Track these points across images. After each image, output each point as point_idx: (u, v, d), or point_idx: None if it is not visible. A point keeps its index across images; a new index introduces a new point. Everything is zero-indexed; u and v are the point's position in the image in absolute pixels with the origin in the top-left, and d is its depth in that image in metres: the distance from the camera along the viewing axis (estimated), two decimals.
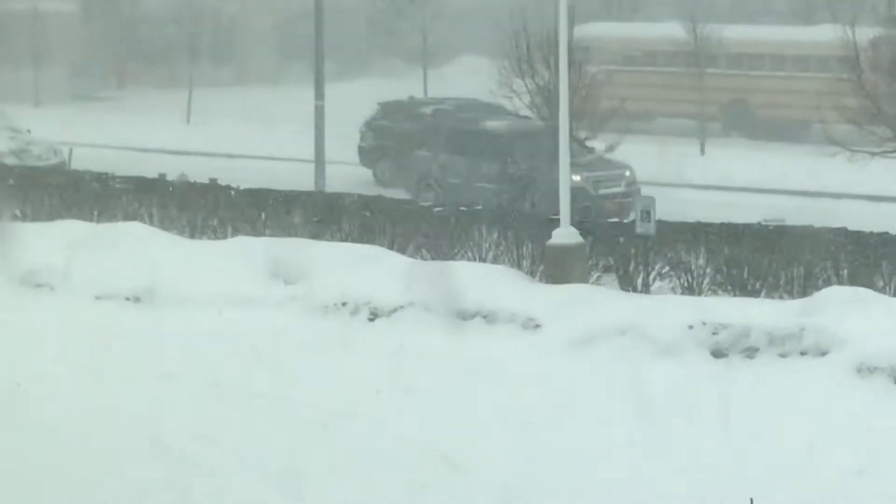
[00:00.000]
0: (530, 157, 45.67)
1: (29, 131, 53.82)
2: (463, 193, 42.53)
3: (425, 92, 66.45)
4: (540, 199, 41.68)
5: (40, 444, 20.83)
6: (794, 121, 58.29)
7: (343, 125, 49.71)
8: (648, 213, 32.72)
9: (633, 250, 32.12)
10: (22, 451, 17.81)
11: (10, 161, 46.23)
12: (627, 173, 46.79)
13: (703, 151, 56.30)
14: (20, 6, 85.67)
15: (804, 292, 28.90)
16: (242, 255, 32.83)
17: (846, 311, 26.69)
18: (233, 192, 38.62)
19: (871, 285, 28.61)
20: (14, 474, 18.70)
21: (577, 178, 41.15)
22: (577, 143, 44.91)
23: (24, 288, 32.19)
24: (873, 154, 37.92)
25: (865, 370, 24.94)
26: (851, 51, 39.15)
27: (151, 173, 41.49)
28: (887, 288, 28.80)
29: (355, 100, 55.00)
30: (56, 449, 21.00)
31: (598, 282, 31.39)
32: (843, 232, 32.52)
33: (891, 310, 26.65)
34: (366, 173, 51.78)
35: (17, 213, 38.00)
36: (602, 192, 43.39)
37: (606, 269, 32.08)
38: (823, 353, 25.64)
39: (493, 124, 48.76)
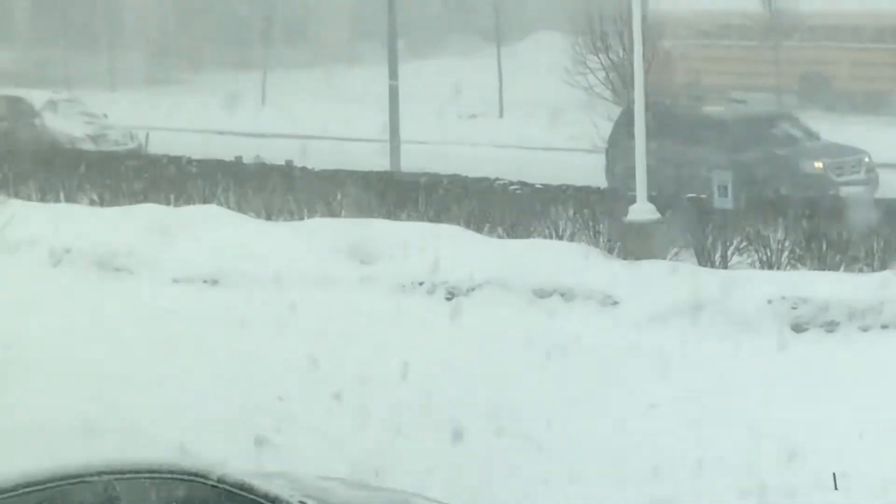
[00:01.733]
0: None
1: (105, 116, 53.45)
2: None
3: (500, 71, 65.89)
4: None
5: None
6: (872, 92, 57.87)
7: (419, 103, 49.47)
8: (726, 187, 33.07)
9: (710, 225, 32.09)
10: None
11: (88, 146, 46.10)
12: (866, 159, 44.09)
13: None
14: None
15: (884, 265, 28.89)
16: (319, 236, 32.90)
17: None
18: (308, 173, 38.60)
19: None
20: None
21: (818, 164, 41.34)
22: (804, 129, 45.57)
23: (104, 272, 31.94)
24: None
25: None
26: None
27: (227, 156, 41.43)
28: None
29: (431, 78, 54.81)
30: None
31: (676, 258, 31.39)
32: None
33: None
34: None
35: (95, 197, 37.49)
36: (843, 178, 41.29)
37: (685, 246, 32.03)
38: None
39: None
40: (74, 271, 30.43)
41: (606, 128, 42.85)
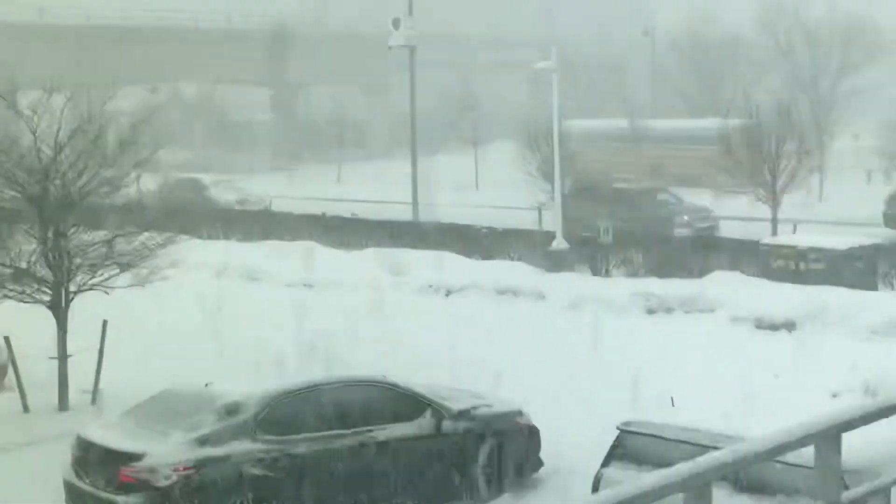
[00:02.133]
0: None
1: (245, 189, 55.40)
2: None
3: (476, 161, 65.05)
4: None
5: None
6: (692, 175, 56.69)
7: (430, 181, 48.14)
8: (608, 230, 33.59)
9: (598, 252, 32.81)
10: None
11: (236, 207, 48.04)
12: (712, 213, 43.00)
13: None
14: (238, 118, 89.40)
15: (703, 274, 29.08)
16: (370, 259, 32.97)
17: (725, 286, 27.06)
18: (366, 222, 39.50)
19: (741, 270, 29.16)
20: None
21: (686, 217, 41.88)
22: (675, 197, 45.14)
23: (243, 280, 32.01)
24: (739, 192, 38.32)
25: (737, 320, 24.83)
26: (725, 134, 40.24)
27: (316, 212, 42.26)
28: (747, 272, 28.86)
29: (438, 166, 52.84)
30: None
31: (578, 271, 32.02)
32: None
33: (752, 286, 27.02)
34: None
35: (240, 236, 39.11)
36: (699, 225, 40.50)
37: (583, 263, 32.71)
38: (712, 311, 25.75)
39: None
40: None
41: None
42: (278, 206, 47.88)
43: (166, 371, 20.23)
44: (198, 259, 28.29)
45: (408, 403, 15.38)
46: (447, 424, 15.35)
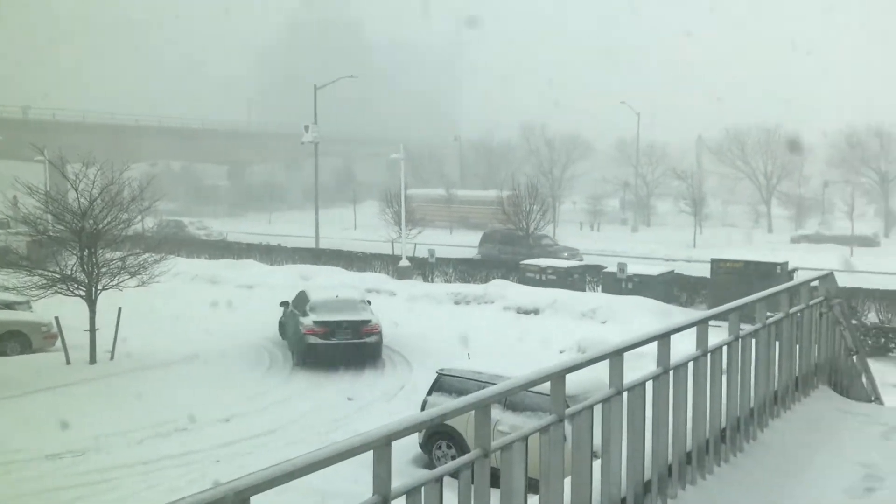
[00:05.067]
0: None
1: (208, 227, 52.89)
2: None
3: (355, 211, 63.36)
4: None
5: None
6: (483, 223, 52.95)
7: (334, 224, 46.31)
8: (433, 253, 33.04)
9: (427, 268, 32.34)
10: None
11: (204, 238, 45.73)
12: (579, 250, 38.23)
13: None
14: (207, 183, 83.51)
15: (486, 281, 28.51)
16: (289, 271, 31.29)
17: (501, 288, 26.48)
18: (287, 248, 37.64)
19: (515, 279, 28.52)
20: None
21: (565, 254, 35.80)
22: (552, 240, 40.69)
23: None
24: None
25: (507, 308, 24.46)
26: (501, 200, 40.09)
27: (254, 242, 40.44)
28: (515, 278, 28.23)
29: (335, 216, 49.46)
30: None
31: (415, 279, 31.55)
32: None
33: (516, 288, 26.41)
34: None
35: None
36: (574, 261, 33.14)
37: (420, 274, 32.12)
38: (492, 302, 25.37)
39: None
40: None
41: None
42: (231, 238, 46.50)
43: (159, 340, 20.58)
44: (180, 270, 26.75)
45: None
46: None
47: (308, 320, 18.62)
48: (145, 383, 17.04)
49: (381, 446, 2.78)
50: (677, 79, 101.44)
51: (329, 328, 18.41)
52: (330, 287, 22.16)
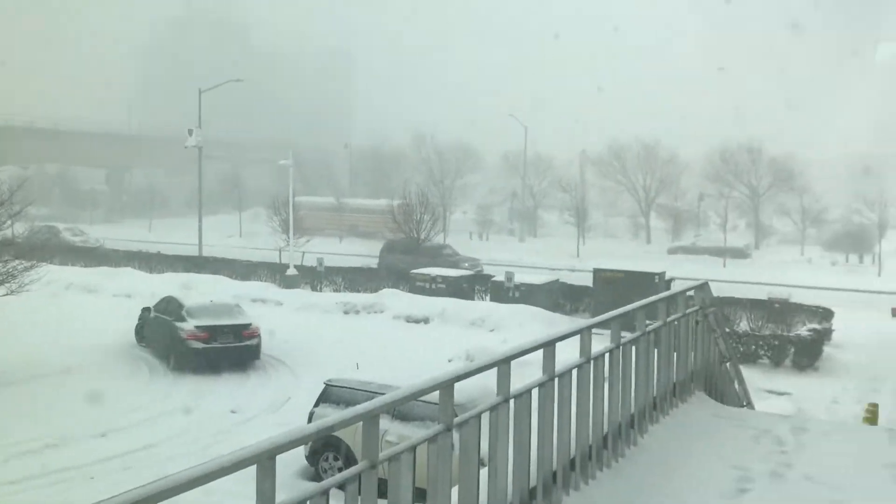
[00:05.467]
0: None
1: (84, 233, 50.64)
2: None
3: (240, 225, 63.32)
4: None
5: None
6: (373, 231, 53.19)
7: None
8: (322, 262, 32.56)
9: (317, 277, 31.89)
10: None
11: (80, 244, 43.76)
12: (479, 259, 38.16)
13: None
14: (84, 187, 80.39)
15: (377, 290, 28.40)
16: (169, 280, 30.04)
17: (391, 297, 26.51)
18: (169, 256, 36.65)
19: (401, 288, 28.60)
20: None
21: (466, 265, 35.22)
22: (453, 251, 39.40)
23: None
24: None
25: (397, 317, 24.57)
26: (391, 209, 39.62)
27: (134, 249, 39.01)
28: (406, 287, 28.33)
29: (220, 223, 48.48)
30: None
31: (304, 287, 30.98)
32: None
33: (405, 297, 26.43)
34: None
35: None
36: (474, 267, 34.47)
37: (308, 283, 31.61)
38: (382, 312, 25.47)
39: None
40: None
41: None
42: (109, 245, 44.58)
43: (29, 352, 19.53)
44: (53, 278, 25.84)
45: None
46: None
47: (188, 325, 18.99)
48: (15, 398, 16.14)
49: (265, 460, 2.71)
50: (563, 92, 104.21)
51: (211, 332, 18.94)
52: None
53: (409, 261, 33.88)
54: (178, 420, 15.11)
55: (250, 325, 19.54)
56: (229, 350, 18.96)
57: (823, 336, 21.57)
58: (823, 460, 6.31)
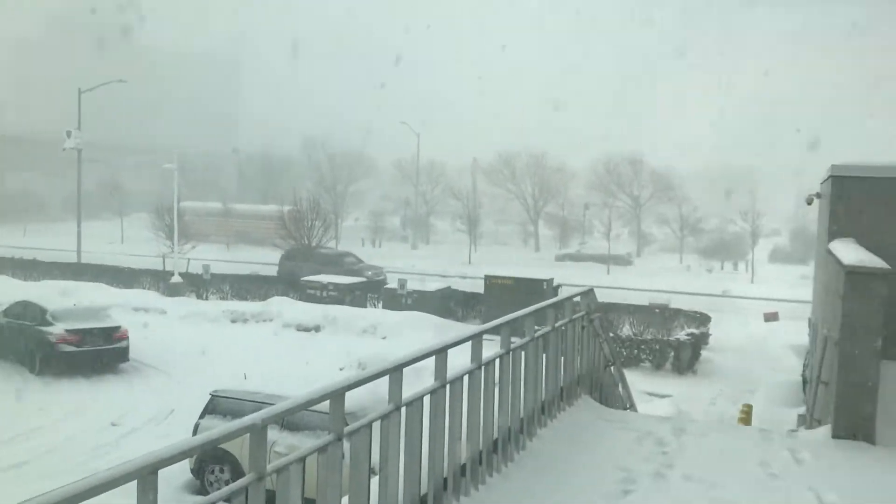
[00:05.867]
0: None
1: None
2: None
3: (122, 231, 60.59)
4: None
5: None
6: (262, 238, 51.77)
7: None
8: (208, 269, 31.91)
9: (202, 286, 31.11)
10: None
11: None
12: (383, 268, 36.50)
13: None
14: None
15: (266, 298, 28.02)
16: (46, 287, 28.37)
17: (280, 305, 26.03)
18: (45, 263, 34.99)
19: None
20: None
21: (369, 272, 33.98)
22: (356, 258, 37.46)
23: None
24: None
25: (287, 326, 24.12)
26: (281, 215, 39.56)
27: (7, 256, 36.89)
28: (297, 296, 28.06)
29: (100, 229, 46.29)
30: None
31: (188, 296, 30.27)
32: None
33: (296, 305, 25.98)
34: None
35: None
36: (376, 275, 33.38)
37: (193, 291, 30.93)
38: (271, 320, 25.01)
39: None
40: None
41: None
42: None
43: None
44: None
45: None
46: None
47: (58, 329, 19.02)
48: None
49: (146, 475, 2.60)
50: (454, 101, 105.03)
51: (81, 336, 19.04)
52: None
53: (310, 269, 33.45)
54: (54, 434, 14.32)
55: (119, 327, 19.77)
56: (100, 353, 19.12)
57: (701, 340, 22.45)
58: (702, 460, 6.57)
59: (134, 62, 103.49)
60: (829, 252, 8.76)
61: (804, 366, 14.67)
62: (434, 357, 4.74)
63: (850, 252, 7.91)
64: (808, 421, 9.71)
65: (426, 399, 4.61)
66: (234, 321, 25.47)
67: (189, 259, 34.87)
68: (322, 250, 37.01)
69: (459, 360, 5.17)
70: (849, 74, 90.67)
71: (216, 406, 12.20)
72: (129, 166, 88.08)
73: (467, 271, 40.29)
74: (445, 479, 4.89)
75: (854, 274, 7.21)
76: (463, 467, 5.16)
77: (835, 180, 9.70)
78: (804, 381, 13.18)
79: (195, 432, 11.77)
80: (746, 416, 13.74)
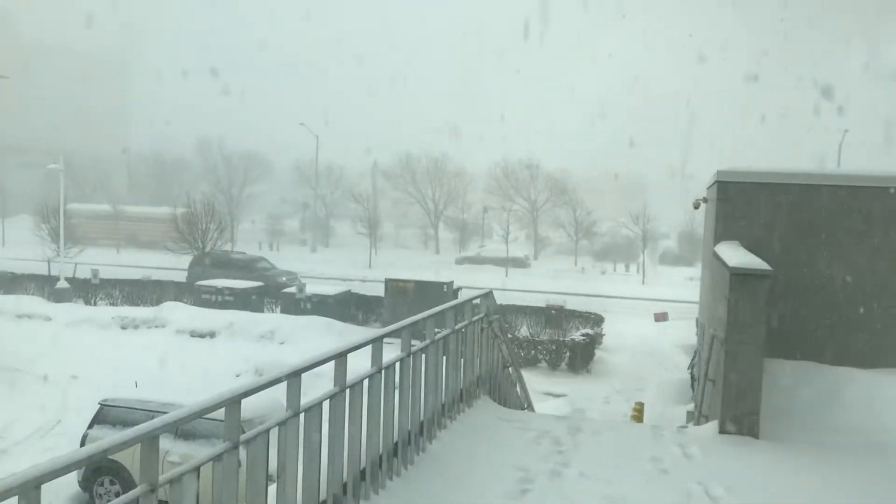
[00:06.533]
0: None
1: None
2: None
3: (3, 234, 57.61)
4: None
5: None
6: (154, 241, 49.70)
7: None
8: (96, 273, 30.86)
9: (89, 291, 29.95)
10: None
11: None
12: (299, 274, 35.43)
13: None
14: None
15: (158, 303, 26.97)
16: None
17: (174, 310, 25.05)
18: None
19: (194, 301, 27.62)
20: None
21: (283, 278, 32.82)
22: (271, 264, 36.58)
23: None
24: (182, 252, 35.90)
25: (180, 332, 23.22)
26: (174, 217, 37.80)
27: None
28: (190, 300, 27.41)
29: None
30: None
31: (76, 302, 29.00)
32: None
33: (190, 310, 25.22)
34: None
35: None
36: (291, 283, 30.75)
37: (80, 297, 29.62)
38: (164, 326, 24.16)
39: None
40: None
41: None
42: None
43: None
44: None
45: None
46: None
47: None
48: None
49: (29, 490, 2.48)
50: (355, 103, 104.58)
51: None
52: None
53: (220, 274, 32.52)
54: None
55: None
56: None
57: (595, 340, 23.03)
58: (597, 457, 6.77)
59: (15, 57, 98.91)
60: (715, 254, 9.09)
61: (691, 363, 15.16)
62: (333, 362, 4.70)
63: (734, 254, 8.23)
64: (697, 417, 10.01)
65: (326, 404, 4.56)
66: (124, 327, 24.45)
67: (76, 263, 33.46)
68: (234, 255, 36.26)
69: (360, 364, 5.14)
70: (736, 79, 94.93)
71: (106, 416, 11.83)
72: (13, 166, 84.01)
73: (368, 274, 40.10)
74: (345, 485, 4.87)
75: (738, 275, 7.50)
76: (363, 472, 5.15)
77: (720, 185, 10.04)
78: (692, 379, 13.64)
79: (83, 443, 11.45)
80: (638, 414, 14.14)
